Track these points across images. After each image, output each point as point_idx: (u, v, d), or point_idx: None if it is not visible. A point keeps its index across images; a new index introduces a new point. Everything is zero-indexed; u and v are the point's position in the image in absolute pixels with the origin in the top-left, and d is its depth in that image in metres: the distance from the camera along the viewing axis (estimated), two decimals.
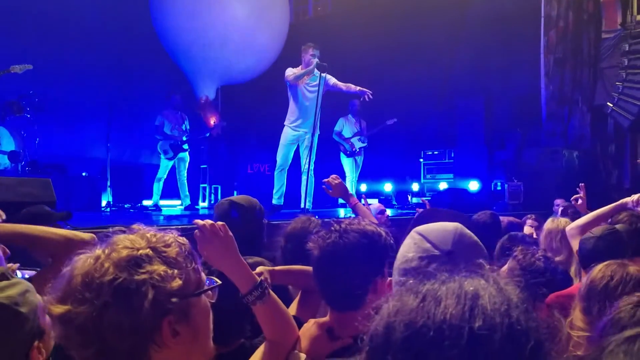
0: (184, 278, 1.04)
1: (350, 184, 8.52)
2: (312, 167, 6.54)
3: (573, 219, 3.29)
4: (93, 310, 0.96)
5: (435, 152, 9.93)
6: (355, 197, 3.50)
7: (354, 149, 8.58)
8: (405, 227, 1.92)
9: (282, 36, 10.72)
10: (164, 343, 1.00)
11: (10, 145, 7.08)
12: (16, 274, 1.72)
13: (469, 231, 1.38)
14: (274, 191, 6.73)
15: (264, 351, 1.56)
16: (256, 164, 10.15)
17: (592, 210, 3.36)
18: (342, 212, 7.69)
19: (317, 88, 6.39)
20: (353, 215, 6.27)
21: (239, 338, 1.72)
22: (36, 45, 7.82)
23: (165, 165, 8.10)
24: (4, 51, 7.40)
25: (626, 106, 8.20)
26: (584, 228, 2.87)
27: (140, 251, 1.02)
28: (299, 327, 1.62)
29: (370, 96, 6.68)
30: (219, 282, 1.17)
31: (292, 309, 1.98)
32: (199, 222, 1.53)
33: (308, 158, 6.46)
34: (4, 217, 2.22)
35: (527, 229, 4.52)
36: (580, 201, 4.04)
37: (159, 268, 1.01)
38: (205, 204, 9.28)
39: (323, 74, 6.39)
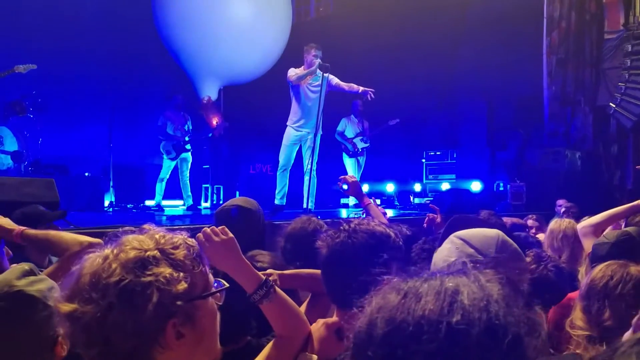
0: (190, 281, 1.04)
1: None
2: (314, 168, 6.54)
3: (577, 220, 3.29)
4: (98, 311, 0.97)
5: (438, 153, 9.92)
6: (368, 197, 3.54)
7: (356, 149, 8.58)
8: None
9: (285, 36, 10.73)
10: (167, 345, 1.01)
11: (13, 146, 7.09)
12: None
13: (509, 238, 1.41)
14: (277, 191, 6.73)
15: (273, 347, 1.57)
16: (258, 164, 10.16)
17: (591, 212, 3.36)
18: (344, 213, 7.70)
19: (319, 88, 6.39)
20: (355, 215, 6.27)
21: (245, 336, 1.73)
22: (39, 46, 7.84)
23: (167, 166, 8.12)
24: (7, 52, 7.42)
25: (629, 107, 8.19)
26: (597, 227, 2.86)
27: (148, 252, 1.03)
28: None
29: (373, 95, 6.68)
30: (227, 284, 1.17)
31: (302, 311, 1.98)
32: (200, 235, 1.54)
33: (310, 158, 6.47)
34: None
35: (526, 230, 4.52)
36: None
37: (165, 270, 1.02)
38: (208, 204, 9.29)
39: (325, 75, 6.39)
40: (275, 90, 8.14)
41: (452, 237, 1.42)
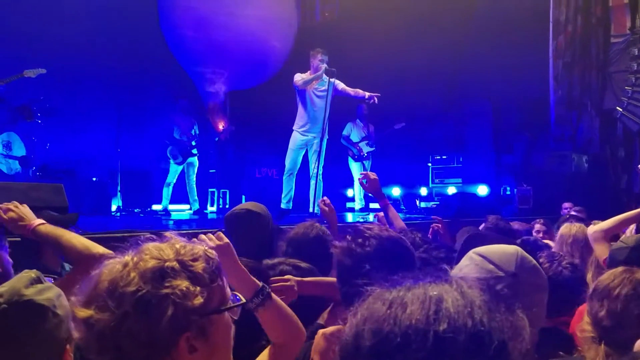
0: (207, 295, 1.03)
1: (358, 188, 8.53)
2: (320, 172, 6.55)
3: (584, 223, 3.28)
4: (113, 319, 0.97)
5: (444, 157, 9.91)
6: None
7: (362, 154, 8.58)
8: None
9: (290, 41, 10.76)
10: (179, 358, 1.00)
11: (21, 150, 7.13)
12: None
13: (527, 254, 1.43)
14: (283, 195, 6.74)
15: (269, 355, 1.54)
16: (264, 168, 10.17)
17: (599, 216, 3.35)
18: (349, 217, 7.70)
19: (325, 93, 6.40)
20: (362, 220, 6.27)
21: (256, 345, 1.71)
22: (46, 51, 7.88)
23: (174, 170, 8.14)
24: (14, 57, 7.47)
25: (635, 110, 8.17)
26: (608, 232, 2.86)
27: (167, 263, 1.02)
28: None
29: (377, 100, 6.68)
30: (244, 300, 1.16)
31: (322, 320, 1.96)
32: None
33: (317, 163, 6.48)
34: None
35: (533, 234, 4.50)
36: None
37: (182, 284, 1.01)
38: (214, 209, 9.30)
39: (332, 79, 6.40)
40: (281, 95, 8.16)
41: (470, 253, 1.42)
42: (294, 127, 6.77)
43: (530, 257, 1.44)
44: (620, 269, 1.69)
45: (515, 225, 4.29)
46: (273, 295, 1.54)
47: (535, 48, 9.24)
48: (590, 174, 8.36)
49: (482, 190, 8.96)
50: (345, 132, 8.68)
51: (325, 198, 3.44)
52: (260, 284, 1.54)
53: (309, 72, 6.64)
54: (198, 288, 1.02)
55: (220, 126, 9.89)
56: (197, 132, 8.40)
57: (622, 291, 1.58)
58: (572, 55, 9.01)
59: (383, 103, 6.77)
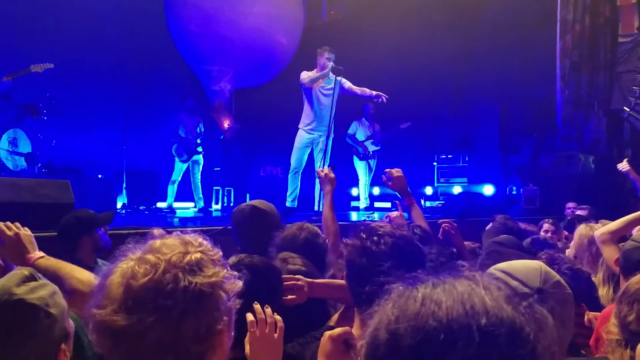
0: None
1: (363, 187, 8.51)
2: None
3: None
4: (171, 321, 0.93)
5: (449, 156, 9.86)
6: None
7: (367, 153, 8.56)
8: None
9: (296, 38, 10.75)
10: (224, 343, 1.00)
11: (27, 147, 7.15)
12: None
13: (551, 269, 1.41)
14: (288, 194, 6.73)
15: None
16: (269, 166, 10.16)
17: (605, 217, 3.31)
18: (354, 216, 7.69)
19: (332, 91, 6.38)
20: (365, 219, 6.26)
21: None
22: (53, 49, 7.89)
23: (179, 168, 8.16)
24: (21, 54, 7.49)
25: None
26: (616, 233, 2.82)
27: (195, 255, 1.01)
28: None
29: (385, 100, 6.66)
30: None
31: (333, 322, 1.91)
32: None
33: (322, 161, 6.46)
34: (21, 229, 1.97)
35: (541, 234, 4.48)
36: None
37: (221, 271, 1.01)
38: (219, 206, 9.31)
39: (338, 78, 6.38)
40: (287, 93, 8.15)
41: (492, 269, 1.39)
42: (299, 126, 6.77)
43: (554, 272, 1.41)
44: None
45: (522, 226, 4.25)
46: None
47: (543, 48, 9.19)
48: (597, 174, 8.31)
49: (488, 190, 8.93)
50: (350, 131, 8.66)
51: (325, 167, 3.27)
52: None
53: (315, 70, 6.63)
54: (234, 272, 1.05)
55: (226, 124, 9.90)
56: (203, 130, 8.40)
57: None
58: (579, 55, 8.96)
59: (389, 102, 6.74)
